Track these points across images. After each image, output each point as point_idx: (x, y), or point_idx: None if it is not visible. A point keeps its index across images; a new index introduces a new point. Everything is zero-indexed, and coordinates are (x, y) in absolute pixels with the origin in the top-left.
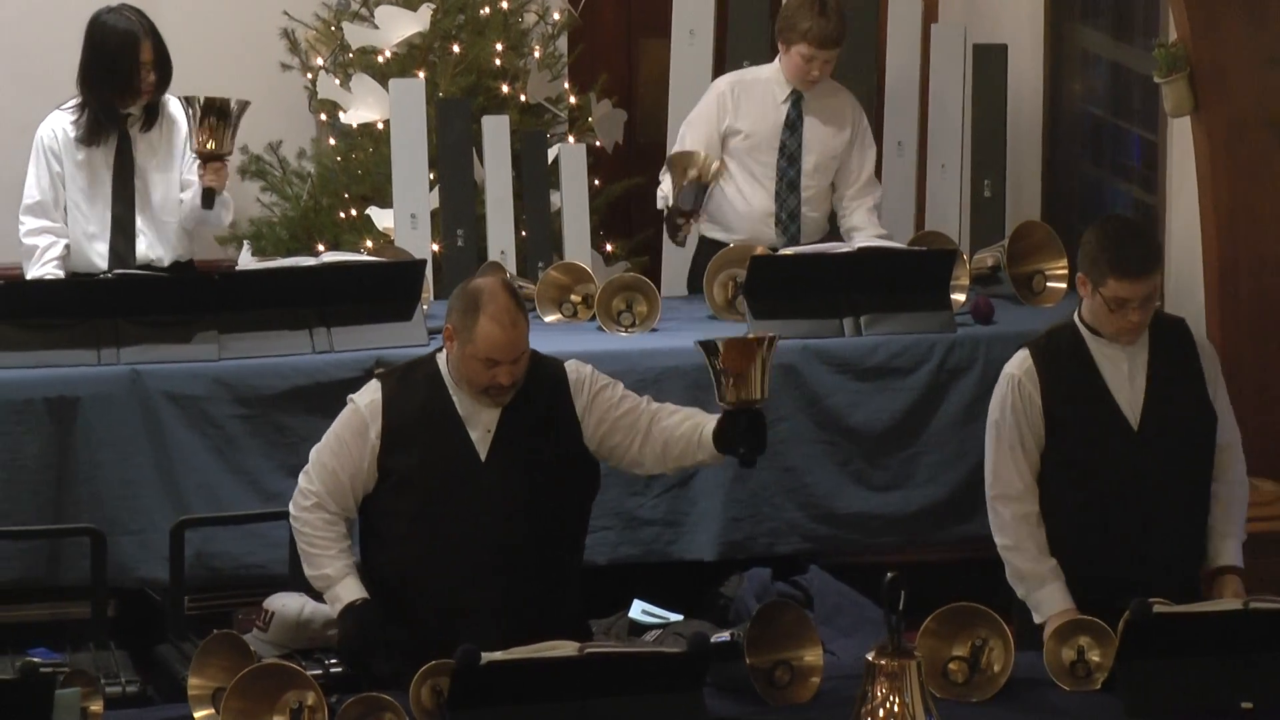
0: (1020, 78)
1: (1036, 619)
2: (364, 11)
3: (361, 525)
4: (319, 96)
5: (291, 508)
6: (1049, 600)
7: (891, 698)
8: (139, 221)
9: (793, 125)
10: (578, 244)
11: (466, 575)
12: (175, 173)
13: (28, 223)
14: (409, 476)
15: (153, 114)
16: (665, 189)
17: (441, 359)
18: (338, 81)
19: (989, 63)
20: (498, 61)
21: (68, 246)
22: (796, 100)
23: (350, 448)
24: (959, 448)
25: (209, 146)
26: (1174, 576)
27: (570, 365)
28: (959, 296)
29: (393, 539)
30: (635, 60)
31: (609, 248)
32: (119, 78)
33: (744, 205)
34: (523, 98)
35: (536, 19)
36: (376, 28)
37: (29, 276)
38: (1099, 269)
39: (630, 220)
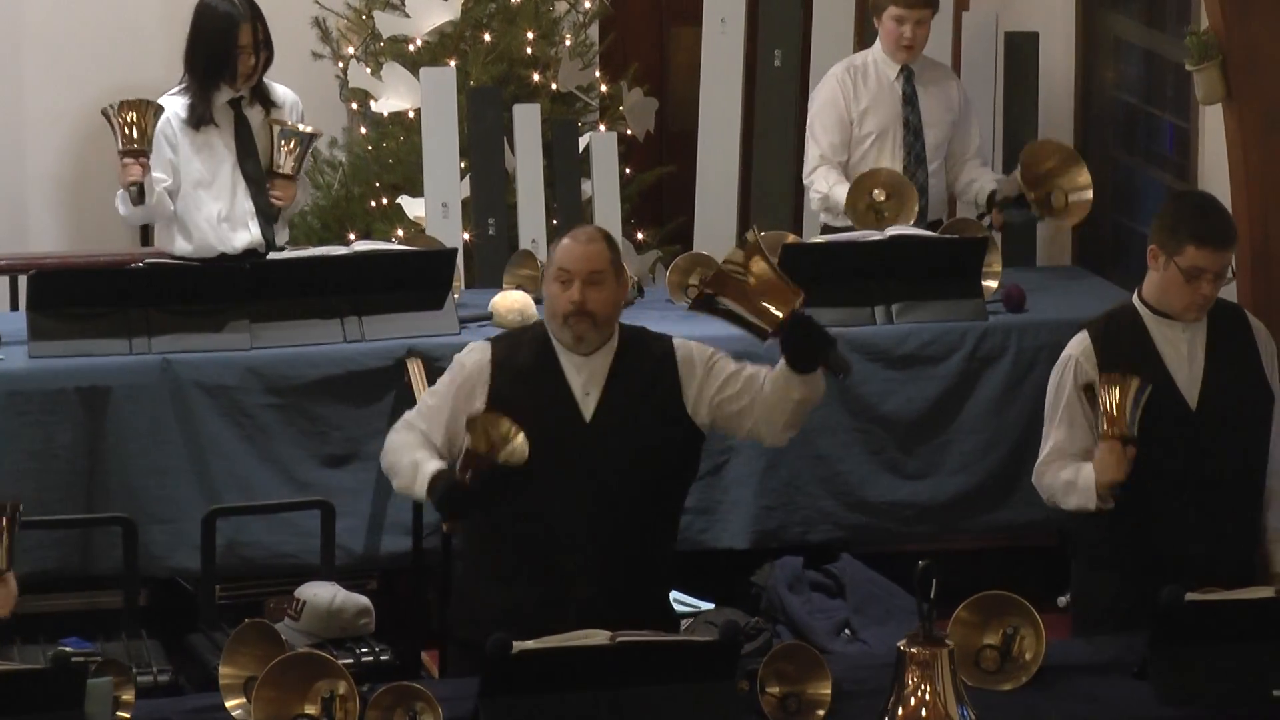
0: (1052, 66)
1: (1096, 500)
2: (395, 0)
3: None
4: (350, 85)
5: (388, 438)
6: (1088, 472)
7: (923, 686)
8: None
9: (910, 100)
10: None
11: (563, 535)
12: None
13: None
14: None
15: (262, 99)
16: (822, 187)
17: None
18: (369, 70)
19: (1020, 51)
20: (529, 50)
21: (169, 194)
22: (909, 77)
23: (447, 393)
24: (991, 436)
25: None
26: (1231, 557)
27: (678, 341)
28: (990, 284)
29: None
30: (667, 48)
31: (640, 236)
32: (217, 61)
33: None
34: (554, 86)
35: (568, 7)
36: (408, 16)
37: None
38: (1177, 238)
39: (661, 208)
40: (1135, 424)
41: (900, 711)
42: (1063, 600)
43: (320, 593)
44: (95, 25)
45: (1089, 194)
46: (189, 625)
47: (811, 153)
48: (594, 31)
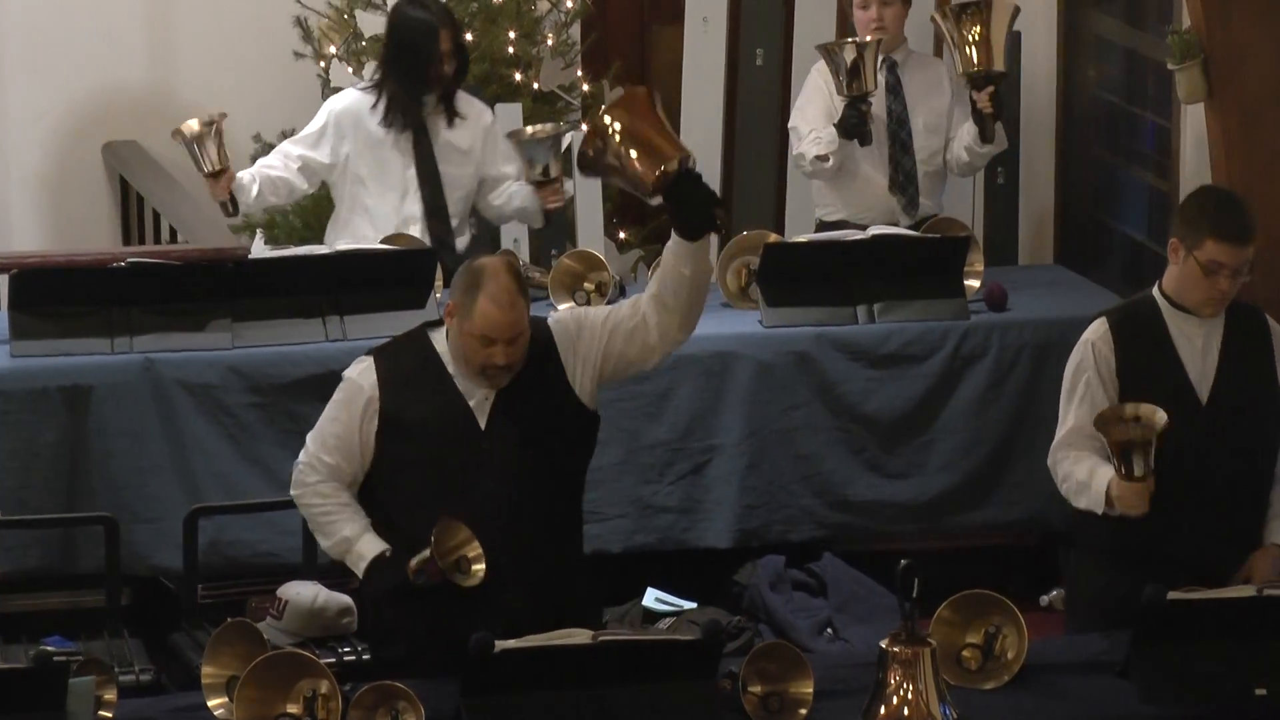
0: (1034, 64)
1: (1109, 507)
2: (376, 0)
3: (365, 509)
4: (332, 85)
5: (294, 488)
6: (1101, 478)
7: (905, 685)
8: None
9: (894, 89)
10: (591, 232)
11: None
12: (469, 168)
13: (277, 148)
14: (410, 450)
15: (450, 106)
16: (816, 135)
17: (434, 334)
18: (351, 70)
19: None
20: (511, 49)
21: (286, 184)
22: (891, 66)
23: (350, 420)
24: (973, 435)
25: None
26: (1234, 554)
27: (552, 319)
28: (972, 283)
29: (397, 516)
30: (648, 48)
31: (622, 235)
32: (416, 67)
33: (859, 175)
34: (536, 85)
35: (549, 6)
36: None
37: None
38: (1197, 231)
39: (643, 208)
40: (1151, 466)
41: (882, 710)
42: (1045, 599)
43: (302, 592)
44: (76, 23)
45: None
46: (171, 624)
47: (798, 134)
48: (576, 31)
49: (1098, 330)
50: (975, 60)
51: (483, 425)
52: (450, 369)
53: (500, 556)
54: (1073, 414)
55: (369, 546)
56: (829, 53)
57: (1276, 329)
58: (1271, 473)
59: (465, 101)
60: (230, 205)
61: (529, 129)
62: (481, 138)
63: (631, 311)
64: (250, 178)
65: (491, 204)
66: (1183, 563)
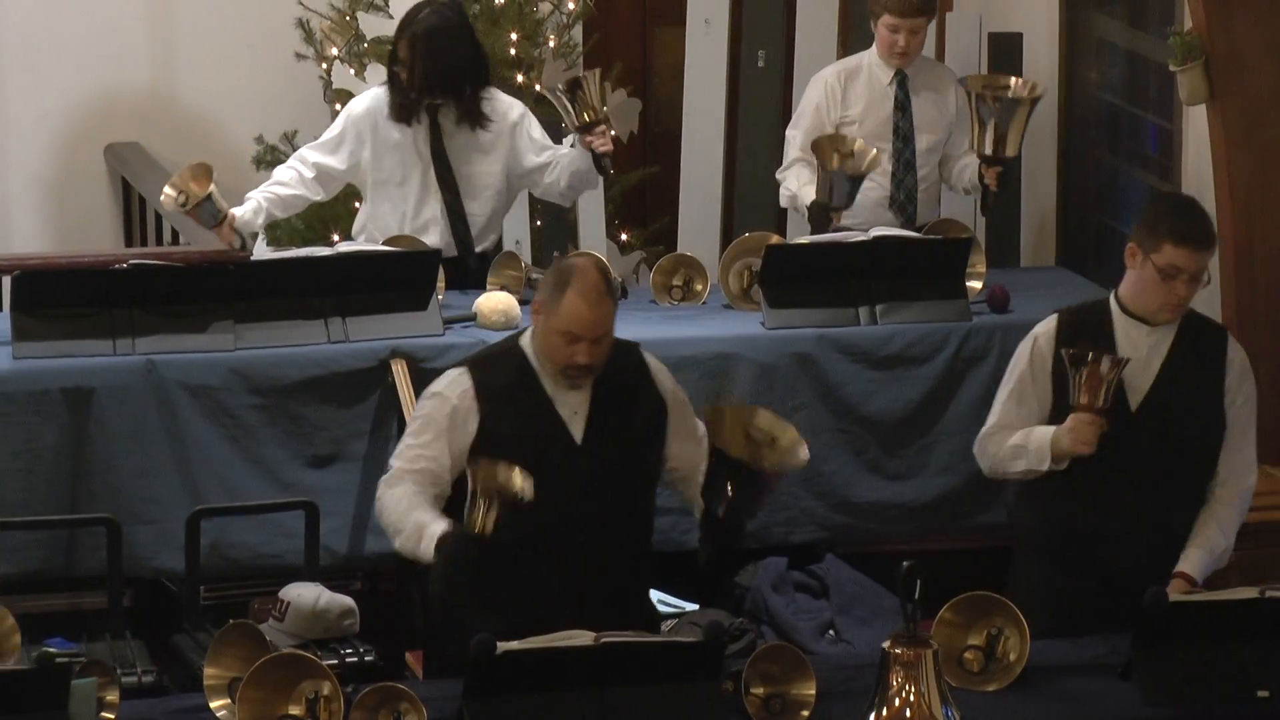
0: (1035, 66)
1: (1049, 463)
2: (379, 1)
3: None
4: (334, 87)
5: (379, 500)
6: (1039, 434)
7: (907, 687)
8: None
9: (902, 106)
10: (593, 233)
11: (562, 558)
12: (494, 165)
13: (294, 155)
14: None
15: (469, 110)
16: (792, 186)
17: (525, 343)
18: (352, 71)
19: (1004, 51)
20: (512, 51)
21: (299, 199)
22: (902, 81)
23: (438, 433)
24: (975, 436)
25: (585, 118)
26: (1170, 558)
27: (647, 356)
28: (975, 284)
29: None
30: (650, 49)
31: (624, 237)
32: (393, 66)
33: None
34: (537, 87)
35: (551, 8)
36: (391, 17)
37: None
38: (1156, 235)
39: (645, 209)
40: (1110, 400)
41: (884, 712)
42: None
43: (304, 593)
44: (78, 25)
45: (1026, 85)
46: (173, 626)
47: (788, 152)
48: (578, 32)
49: (1045, 326)
50: (992, 146)
51: (578, 440)
52: (542, 380)
53: (589, 568)
54: (1002, 408)
55: (440, 526)
56: (822, 164)
57: (1238, 355)
58: (1205, 485)
59: (490, 100)
60: (238, 242)
61: (560, 81)
62: (508, 134)
63: (680, 469)
64: (255, 208)
65: (547, 184)
66: (1117, 564)
